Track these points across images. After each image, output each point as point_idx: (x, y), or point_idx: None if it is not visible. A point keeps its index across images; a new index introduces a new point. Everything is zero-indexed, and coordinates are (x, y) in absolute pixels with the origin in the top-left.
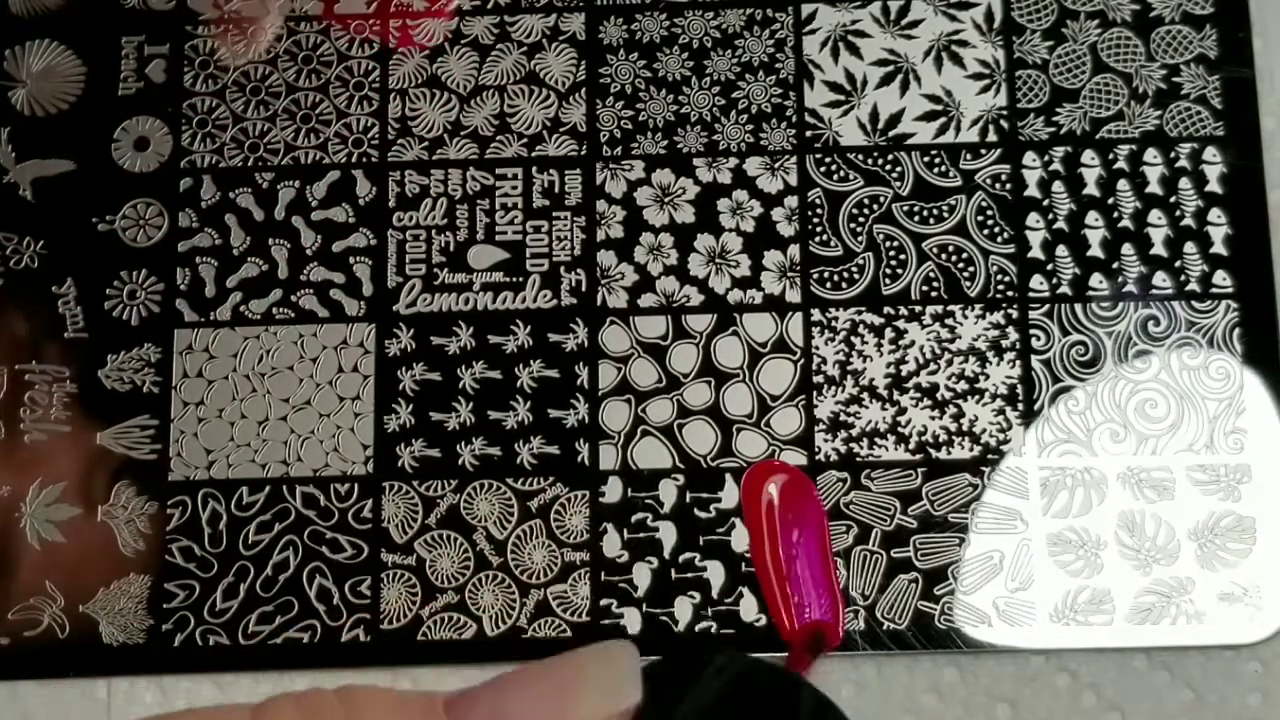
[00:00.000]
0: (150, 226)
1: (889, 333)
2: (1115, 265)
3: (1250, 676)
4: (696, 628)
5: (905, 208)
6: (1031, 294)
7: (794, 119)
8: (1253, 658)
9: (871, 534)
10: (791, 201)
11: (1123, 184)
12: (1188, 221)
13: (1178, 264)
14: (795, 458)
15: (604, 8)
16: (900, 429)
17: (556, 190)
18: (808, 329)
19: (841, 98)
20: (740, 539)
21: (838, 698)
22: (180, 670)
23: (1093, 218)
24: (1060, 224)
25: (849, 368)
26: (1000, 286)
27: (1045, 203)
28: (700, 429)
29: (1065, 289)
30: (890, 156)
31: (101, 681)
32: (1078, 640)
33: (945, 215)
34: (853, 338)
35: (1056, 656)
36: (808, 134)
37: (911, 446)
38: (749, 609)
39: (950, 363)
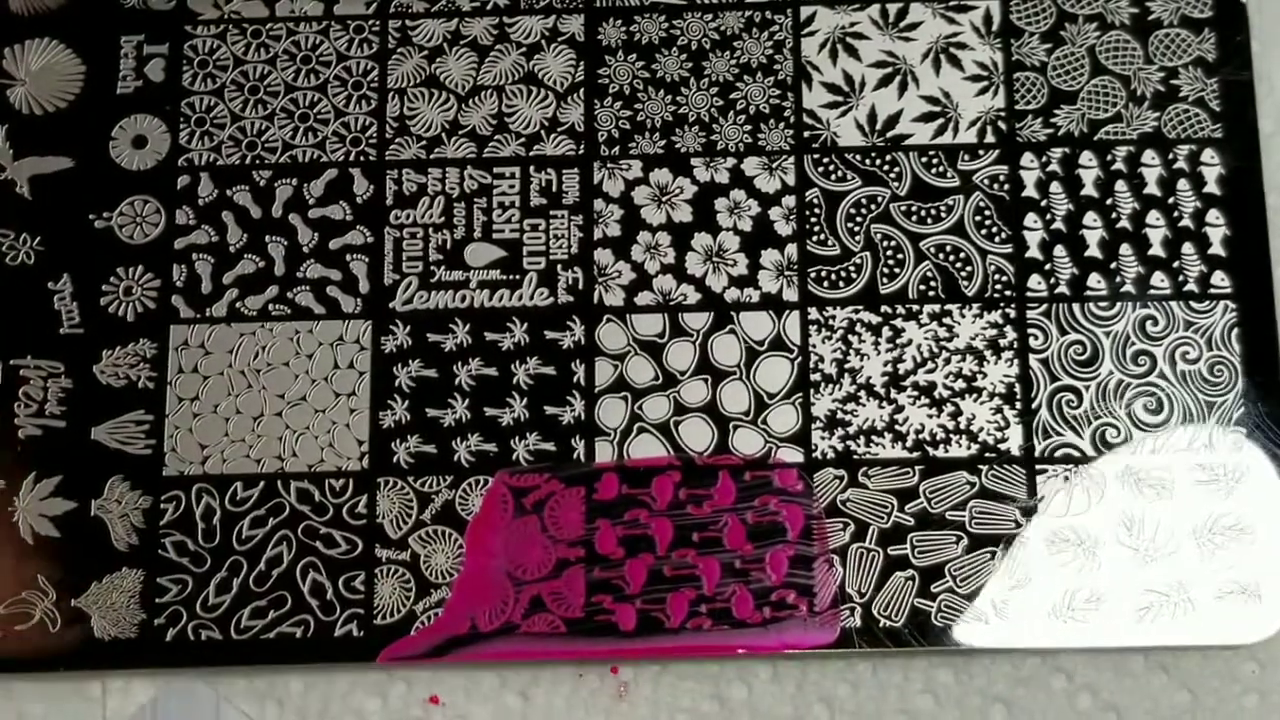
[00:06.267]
0: (147, 223)
1: (886, 331)
2: (1113, 265)
3: (1247, 677)
4: (689, 624)
5: (903, 208)
6: (1029, 294)
7: (792, 120)
8: (1250, 658)
9: (868, 531)
10: (789, 201)
11: (1120, 185)
12: (1186, 222)
13: (1176, 264)
14: (792, 455)
15: (603, 9)
16: (898, 427)
17: (554, 189)
18: (805, 327)
19: (840, 99)
20: (734, 535)
21: (833, 697)
22: (172, 665)
23: (1091, 218)
24: (1058, 224)
25: (846, 366)
26: (998, 286)
27: (1043, 203)
28: (697, 426)
29: (1063, 289)
30: (888, 157)
31: (96, 683)
32: (1075, 639)
33: (943, 215)
34: (850, 336)
35: (1052, 657)
36: (805, 134)
37: (909, 444)
38: (743, 605)
39: (948, 361)
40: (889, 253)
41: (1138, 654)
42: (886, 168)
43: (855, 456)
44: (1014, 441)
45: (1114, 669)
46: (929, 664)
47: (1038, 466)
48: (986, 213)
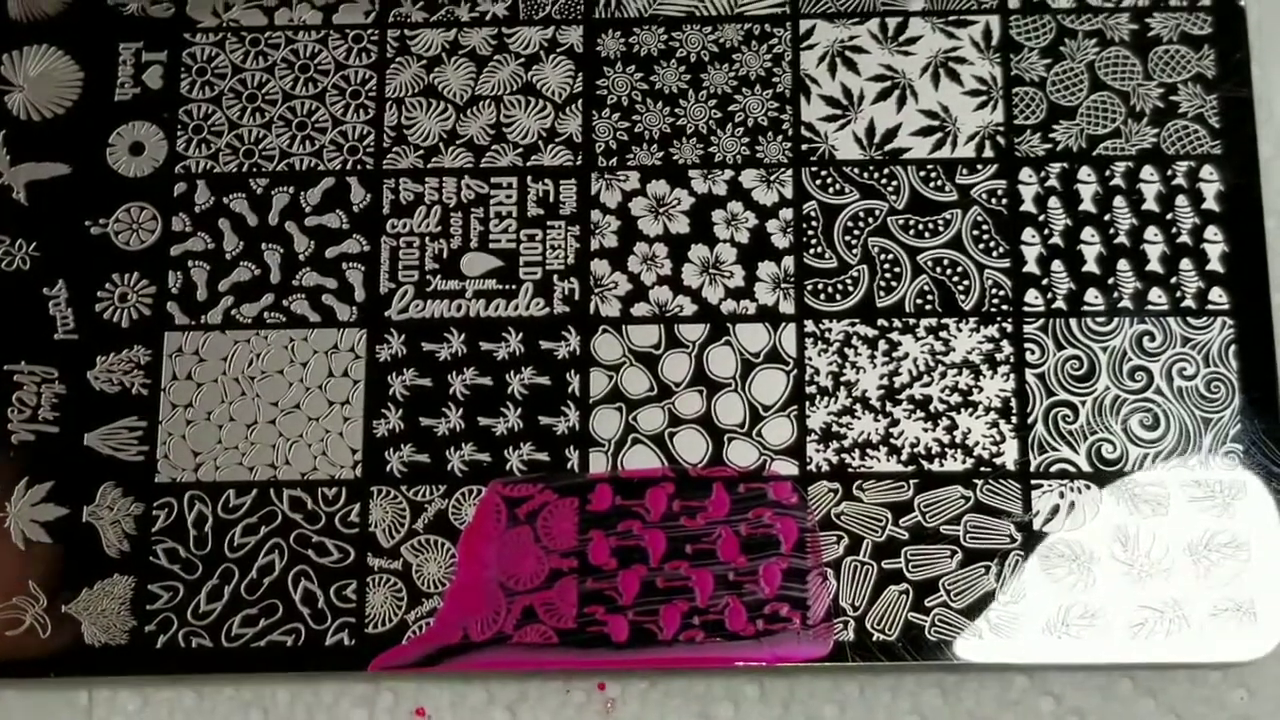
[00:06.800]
0: (143, 230)
1: (883, 344)
2: (1111, 281)
3: (1236, 704)
4: (682, 636)
5: (900, 221)
6: (1026, 308)
7: (790, 132)
8: (1239, 684)
9: (862, 545)
10: (786, 214)
11: (1119, 200)
12: (1184, 239)
13: (1173, 280)
14: (787, 468)
15: (602, 21)
16: (893, 440)
17: (551, 199)
18: (801, 340)
19: (838, 112)
20: (728, 548)
21: (820, 717)
22: (162, 671)
23: (1089, 234)
24: (1056, 239)
25: (842, 379)
26: (995, 300)
27: (1041, 218)
28: (691, 437)
29: (1060, 304)
30: (886, 170)
31: (83, 691)
32: (1069, 655)
33: (941, 229)
34: (846, 349)
35: (1041, 679)
36: (804, 147)
37: (904, 458)
38: (736, 618)
39: (944, 375)
40: (886, 266)
41: (1125, 678)
42: (884, 181)
43: (850, 470)
44: (1009, 456)
45: (1101, 693)
46: (917, 684)
47: (1033, 481)
48: (984, 227)
